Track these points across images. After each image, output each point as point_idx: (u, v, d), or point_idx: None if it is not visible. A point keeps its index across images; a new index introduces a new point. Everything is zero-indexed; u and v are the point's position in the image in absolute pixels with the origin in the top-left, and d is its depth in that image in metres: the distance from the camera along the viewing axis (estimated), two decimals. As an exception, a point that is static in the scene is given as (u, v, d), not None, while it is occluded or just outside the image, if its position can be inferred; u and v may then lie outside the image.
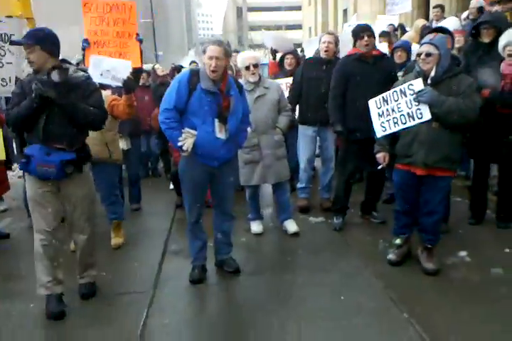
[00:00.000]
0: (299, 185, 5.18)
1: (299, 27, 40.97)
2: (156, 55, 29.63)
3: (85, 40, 4.26)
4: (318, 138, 5.02)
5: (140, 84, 6.33)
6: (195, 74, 3.28)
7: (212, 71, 3.21)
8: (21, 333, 3.00)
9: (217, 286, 3.55)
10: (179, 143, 3.23)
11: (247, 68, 4.14)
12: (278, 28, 46.76)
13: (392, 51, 5.35)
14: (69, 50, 4.28)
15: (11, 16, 6.44)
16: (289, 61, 5.49)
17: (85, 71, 4.08)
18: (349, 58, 4.32)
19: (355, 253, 3.96)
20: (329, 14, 27.58)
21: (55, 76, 2.92)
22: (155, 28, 30.88)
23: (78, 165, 3.14)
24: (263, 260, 3.95)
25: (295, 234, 4.38)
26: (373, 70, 4.18)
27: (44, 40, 3.04)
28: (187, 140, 3.22)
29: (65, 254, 3.45)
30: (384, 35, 6.86)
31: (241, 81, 4.24)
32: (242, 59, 4.20)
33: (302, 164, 5.06)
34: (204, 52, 3.24)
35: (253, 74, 4.14)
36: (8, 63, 4.01)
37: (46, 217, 3.17)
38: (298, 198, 5.16)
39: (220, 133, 3.29)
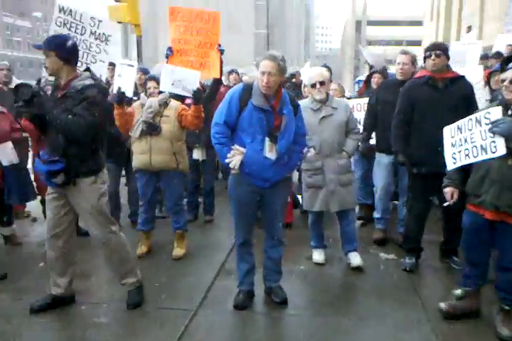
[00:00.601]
0: (374, 215, 4.77)
1: (419, 43, 39.23)
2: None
3: (169, 48, 4.35)
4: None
5: (231, 84, 6.34)
6: (247, 89, 3.12)
7: (265, 87, 3.04)
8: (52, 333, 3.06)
9: (260, 316, 3.34)
10: (227, 160, 3.10)
11: (313, 86, 3.88)
12: (398, 43, 45.11)
13: (489, 75, 4.73)
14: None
15: (120, 22, 6.95)
16: (376, 80, 5.12)
17: (157, 80, 4.12)
18: (416, 81, 3.89)
19: (420, 302, 3.46)
20: (452, 30, 26.01)
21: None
22: (270, 39, 31.50)
23: (73, 175, 3.09)
24: (317, 294, 3.64)
25: (359, 269, 3.99)
26: (443, 96, 3.72)
27: (60, 47, 3.07)
28: (235, 157, 3.08)
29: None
30: (496, 56, 6.11)
31: (307, 100, 4.02)
32: (308, 76, 3.96)
33: (377, 193, 4.65)
34: (257, 66, 3.08)
35: (319, 92, 3.86)
36: (100, 61, 4.20)
37: (48, 222, 3.27)
38: (374, 229, 4.76)
39: (270, 153, 3.11)
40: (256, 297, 3.47)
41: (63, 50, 3.05)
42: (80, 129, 2.98)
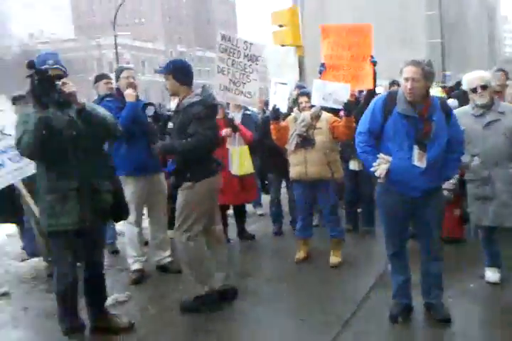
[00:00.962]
0: None
1: None
2: (444, 75, 28.34)
3: (322, 65, 4.54)
4: None
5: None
6: (392, 97, 3.08)
7: (409, 93, 2.97)
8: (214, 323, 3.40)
9: (418, 331, 3.24)
10: (372, 169, 3.10)
11: (474, 90, 3.59)
12: None
13: None
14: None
15: (283, 45, 7.47)
16: (558, 78, 4.49)
17: (308, 95, 4.31)
18: None
19: None
20: None
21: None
22: (446, 46, 29.70)
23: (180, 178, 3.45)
24: (487, 314, 3.37)
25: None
26: None
27: (176, 71, 3.48)
28: (380, 166, 3.06)
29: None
30: None
31: (467, 106, 3.73)
32: (468, 80, 3.68)
33: None
34: (400, 73, 3.01)
35: (481, 96, 3.55)
36: (253, 79, 4.64)
37: None
38: None
39: (419, 162, 3.00)
40: (416, 311, 3.34)
41: (179, 73, 3.49)
42: (203, 144, 3.37)
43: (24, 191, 4.07)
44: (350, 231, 5.32)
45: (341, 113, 4.60)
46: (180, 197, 3.52)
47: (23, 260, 4.83)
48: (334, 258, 4.42)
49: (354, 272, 4.23)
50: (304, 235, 4.59)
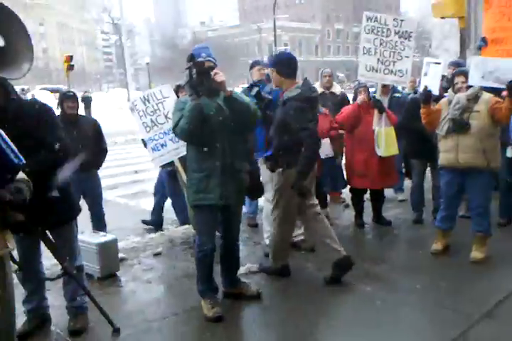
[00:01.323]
0: None
1: None
2: None
3: (482, 39, 4.12)
4: None
5: None
6: None
7: None
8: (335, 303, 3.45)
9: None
10: None
11: None
12: None
13: None
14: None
15: (443, 17, 6.87)
16: None
17: (465, 74, 3.92)
18: None
19: None
20: None
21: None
22: None
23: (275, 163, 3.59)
24: None
25: None
26: None
27: (278, 64, 3.56)
28: None
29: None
30: None
31: None
32: None
33: None
34: None
35: None
36: (405, 57, 4.46)
37: None
38: None
39: None
40: None
41: (281, 66, 3.56)
42: (314, 137, 3.49)
43: (180, 167, 4.51)
44: (503, 225, 4.84)
45: (504, 93, 4.13)
46: (273, 181, 3.67)
47: (176, 226, 5.41)
48: (476, 254, 4.07)
49: (497, 271, 3.87)
50: (445, 226, 4.28)
